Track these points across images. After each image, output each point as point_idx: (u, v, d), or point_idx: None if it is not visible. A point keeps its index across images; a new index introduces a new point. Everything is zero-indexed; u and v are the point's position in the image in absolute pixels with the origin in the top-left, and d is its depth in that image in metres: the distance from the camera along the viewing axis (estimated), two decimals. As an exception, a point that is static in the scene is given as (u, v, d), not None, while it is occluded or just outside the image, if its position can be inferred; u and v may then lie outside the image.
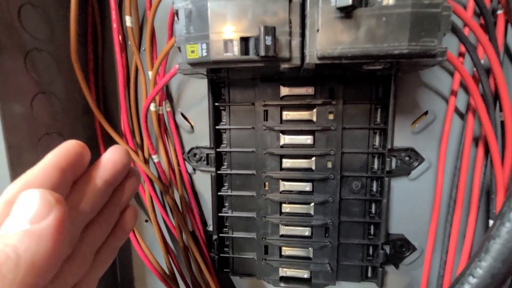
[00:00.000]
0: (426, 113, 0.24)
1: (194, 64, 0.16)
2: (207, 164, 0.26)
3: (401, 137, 0.24)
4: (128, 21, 0.23)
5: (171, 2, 0.22)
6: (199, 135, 0.27)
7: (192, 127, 0.27)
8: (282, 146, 0.24)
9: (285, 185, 0.25)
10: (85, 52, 0.25)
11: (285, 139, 0.24)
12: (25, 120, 0.20)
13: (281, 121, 0.24)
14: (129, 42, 0.25)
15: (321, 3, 0.15)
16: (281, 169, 0.24)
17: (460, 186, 0.23)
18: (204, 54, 0.16)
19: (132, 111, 0.26)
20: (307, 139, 0.24)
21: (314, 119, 0.23)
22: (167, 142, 0.27)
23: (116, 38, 0.23)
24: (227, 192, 0.26)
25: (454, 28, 0.20)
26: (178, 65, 0.18)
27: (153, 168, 0.27)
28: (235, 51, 0.16)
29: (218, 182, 0.26)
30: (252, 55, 0.16)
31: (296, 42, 0.16)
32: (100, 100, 0.27)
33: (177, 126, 0.27)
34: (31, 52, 0.20)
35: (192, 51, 0.16)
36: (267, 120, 0.24)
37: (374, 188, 0.25)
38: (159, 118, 0.26)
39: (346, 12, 0.14)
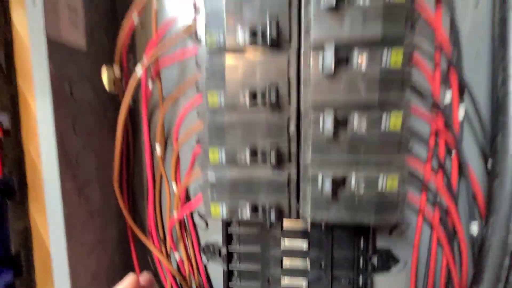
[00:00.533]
0: (401, 222, 0.29)
1: (216, 218, 0.22)
2: (219, 256, 0.31)
3: (382, 241, 0.29)
4: (158, 149, 0.28)
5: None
6: (212, 230, 0.32)
7: (207, 224, 0.32)
8: (282, 251, 0.29)
9: (286, 280, 0.29)
10: (120, 168, 0.31)
11: (286, 242, 0.29)
12: (80, 241, 0.25)
13: (282, 229, 0.29)
14: (156, 161, 0.30)
15: (311, 185, 0.20)
16: (282, 268, 0.29)
17: (429, 281, 0.27)
18: (224, 214, 0.21)
19: (157, 214, 0.31)
20: (303, 245, 0.29)
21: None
22: (186, 238, 0.31)
23: (149, 169, 0.29)
24: (236, 283, 0.31)
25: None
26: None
27: (173, 260, 0.32)
28: (247, 214, 0.21)
29: (229, 274, 0.30)
30: (259, 218, 0.21)
31: (294, 205, 0.21)
32: (130, 206, 0.32)
33: (194, 225, 0.32)
34: (86, 187, 0.26)
35: (215, 209, 0.21)
36: (270, 228, 0.29)
37: (359, 283, 0.29)
38: (180, 220, 0.31)
39: (331, 195, 0.20)
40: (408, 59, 0.18)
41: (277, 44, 0.19)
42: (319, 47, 0.18)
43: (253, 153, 0.20)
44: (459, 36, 0.24)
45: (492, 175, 0.24)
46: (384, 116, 0.19)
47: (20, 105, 0.32)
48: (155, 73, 0.28)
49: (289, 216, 0.21)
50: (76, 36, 0.24)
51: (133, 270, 0.32)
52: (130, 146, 0.31)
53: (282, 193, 0.20)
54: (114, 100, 0.29)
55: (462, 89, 0.25)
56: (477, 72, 0.25)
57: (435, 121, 0.25)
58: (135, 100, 0.31)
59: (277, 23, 0.18)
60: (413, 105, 0.25)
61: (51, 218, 0.24)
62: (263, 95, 0.19)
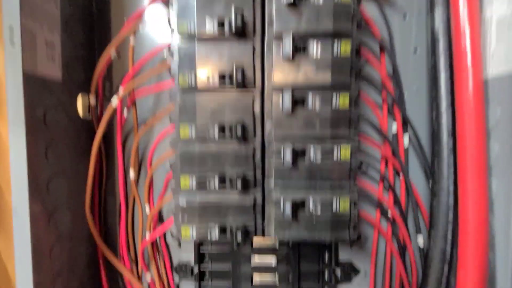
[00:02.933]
0: (359, 237, 0.32)
1: (186, 240, 0.23)
2: (191, 275, 0.32)
3: (344, 254, 0.32)
4: (132, 174, 0.29)
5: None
6: (185, 250, 0.33)
7: (179, 244, 0.33)
8: (252, 268, 0.31)
9: (255, 297, 0.31)
10: (92, 191, 0.31)
11: (256, 258, 0.31)
12: (46, 266, 0.25)
13: (252, 248, 0.31)
14: (129, 185, 0.31)
15: (275, 207, 0.22)
16: (252, 284, 0.31)
17: (385, 293, 0.30)
18: (194, 236, 0.23)
19: (129, 236, 0.32)
20: (272, 261, 0.31)
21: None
22: (158, 258, 0.32)
23: (122, 192, 0.30)
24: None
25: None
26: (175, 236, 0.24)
27: (145, 282, 0.32)
28: (216, 235, 0.23)
29: (201, 293, 0.31)
30: (228, 239, 0.23)
31: (260, 226, 0.23)
32: (102, 229, 0.32)
33: (167, 245, 0.33)
34: (56, 212, 0.26)
35: (185, 233, 0.23)
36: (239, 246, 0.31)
37: (326, 293, 0.32)
38: (152, 241, 0.31)
39: (291, 216, 0.22)
40: (354, 101, 0.21)
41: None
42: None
43: (222, 180, 0.22)
44: (400, 78, 0.28)
45: (432, 194, 0.27)
46: (335, 148, 0.21)
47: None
48: (131, 102, 0.29)
49: (255, 235, 0.23)
50: (52, 69, 0.25)
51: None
52: (103, 171, 0.31)
53: (248, 215, 0.22)
54: (88, 127, 0.30)
55: (405, 121, 0.29)
56: (417, 106, 0.30)
57: (384, 149, 0.28)
58: (109, 126, 0.32)
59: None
60: (366, 135, 0.29)
61: (18, 243, 0.24)
62: (231, 129, 0.21)
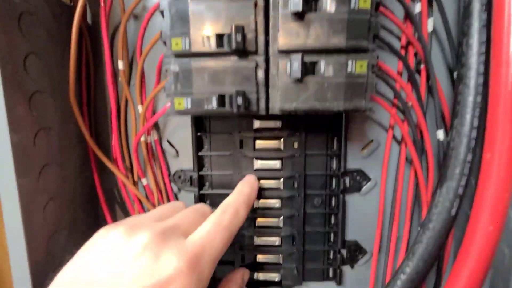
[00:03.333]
0: (371, 141, 0.29)
1: (181, 113, 0.20)
2: (191, 184, 0.30)
3: (353, 161, 0.29)
4: (121, 64, 0.26)
5: (159, 47, 0.26)
6: (183, 159, 0.31)
7: (177, 152, 0.31)
8: (255, 170, 0.29)
9: (258, 203, 0.29)
10: (79, 86, 0.28)
11: (258, 164, 0.29)
12: (28, 154, 0.23)
13: (254, 148, 0.28)
14: (120, 79, 0.28)
15: (279, 71, 0.19)
16: (255, 189, 0.29)
17: (397, 201, 0.28)
18: (189, 106, 0.20)
19: (123, 139, 0.29)
20: (276, 164, 0.28)
21: (282, 147, 0.28)
22: (155, 166, 0.30)
23: (110, 79, 0.27)
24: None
25: (388, 80, 0.25)
26: (168, 109, 0.22)
27: (142, 189, 0.30)
28: (214, 105, 0.20)
29: (200, 200, 0.30)
30: (227, 108, 0.20)
31: (262, 99, 0.20)
32: (92, 129, 0.30)
33: (163, 151, 0.30)
34: (34, 94, 0.23)
35: (179, 103, 0.20)
36: (242, 148, 0.28)
37: (333, 203, 0.30)
38: (147, 146, 0.29)
39: (298, 79, 0.19)
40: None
41: None
42: None
43: (219, 38, 0.19)
44: None
45: (457, 81, 0.24)
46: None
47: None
48: (115, -21, 0.26)
49: (257, 110, 0.20)
50: None
51: (96, 198, 0.31)
52: (90, 67, 0.28)
53: (249, 81, 0.20)
54: (69, 14, 0.26)
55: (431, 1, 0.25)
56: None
57: (406, 29, 0.25)
58: (94, 16, 0.29)
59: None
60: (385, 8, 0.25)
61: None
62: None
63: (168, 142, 0.30)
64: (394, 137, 0.28)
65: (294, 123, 0.28)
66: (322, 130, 0.28)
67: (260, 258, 0.30)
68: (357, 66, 0.19)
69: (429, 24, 0.25)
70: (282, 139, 0.28)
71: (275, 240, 0.30)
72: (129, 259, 0.15)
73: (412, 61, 0.26)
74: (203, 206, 0.23)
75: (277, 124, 0.28)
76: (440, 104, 0.26)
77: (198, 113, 0.20)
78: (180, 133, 0.30)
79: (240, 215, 0.22)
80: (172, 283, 0.15)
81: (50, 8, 0.25)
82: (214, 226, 0.19)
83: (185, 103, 0.20)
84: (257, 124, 0.28)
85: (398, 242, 0.28)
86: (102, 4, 0.25)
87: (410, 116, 0.26)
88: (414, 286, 0.24)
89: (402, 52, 0.26)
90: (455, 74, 0.26)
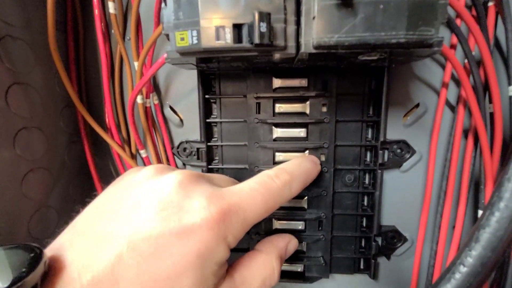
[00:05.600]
0: (417, 105, 0.24)
1: (184, 52, 0.16)
2: (198, 158, 0.25)
3: (393, 130, 0.24)
4: (111, 7, 0.22)
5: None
6: (188, 129, 0.26)
7: (181, 120, 0.26)
8: (275, 140, 0.24)
9: (278, 179, 0.24)
10: (65, 40, 0.24)
11: (278, 132, 0.24)
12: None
13: (274, 113, 0.23)
14: (113, 31, 0.24)
15: (317, -11, 0.14)
16: (274, 162, 0.24)
17: (450, 177, 0.23)
18: (195, 41, 0.15)
19: (118, 104, 0.25)
20: (300, 132, 0.23)
21: (307, 111, 0.23)
22: (155, 136, 0.25)
23: (99, 26, 0.22)
24: (218, 187, 0.25)
25: (448, 20, 0.20)
26: (167, 54, 0.17)
27: (141, 163, 0.26)
28: (227, 38, 0.15)
29: (209, 177, 0.25)
30: (245, 43, 0.15)
31: (291, 30, 0.15)
32: (83, 92, 0.25)
33: (165, 120, 0.26)
34: (4, 39, 0.19)
35: (182, 39, 0.15)
36: (259, 113, 0.23)
37: (367, 181, 0.25)
38: (146, 111, 0.24)
39: (344, 0, 0.14)
40: None
41: None
42: None
43: None
44: None
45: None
46: None
47: None
48: None
49: (285, 46, 0.15)
50: None
51: (87, 169, 0.26)
52: (77, 14, 0.24)
53: (275, 5, 0.14)
54: None
55: None
56: None
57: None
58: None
59: None
60: None
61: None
62: None
63: (171, 108, 0.26)
64: (447, 100, 0.23)
65: (323, 81, 0.22)
66: (357, 90, 0.23)
67: (280, 245, 0.25)
68: (426, -22, 0.13)
69: None
70: (308, 102, 0.23)
71: (298, 224, 0.25)
72: (158, 193, 0.14)
73: (478, -4, 0.20)
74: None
75: (302, 82, 0.23)
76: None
77: (207, 52, 0.15)
78: (185, 97, 0.25)
79: (293, 188, 0.18)
80: (195, 232, 0.13)
81: None
82: (259, 185, 0.16)
83: (189, 37, 0.15)
84: (277, 82, 0.23)
85: (449, 228, 0.23)
86: None
87: (476, 67, 0.20)
88: (479, 281, 0.19)
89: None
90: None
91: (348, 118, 0.23)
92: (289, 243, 0.21)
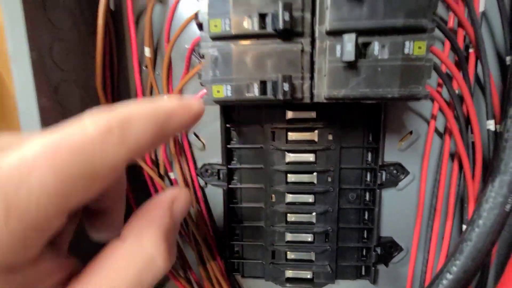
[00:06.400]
0: (410, 132, 0.27)
1: (219, 101, 0.19)
2: (218, 178, 0.29)
3: (390, 153, 0.28)
4: (147, 52, 0.25)
5: (186, 34, 0.24)
6: (210, 152, 0.29)
7: (203, 145, 0.29)
8: (287, 163, 0.27)
9: (290, 197, 0.28)
10: (103, 75, 0.27)
11: (290, 157, 0.27)
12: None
13: (287, 141, 0.27)
14: (144, 68, 0.27)
15: (328, 54, 0.18)
16: (287, 183, 0.27)
17: (439, 195, 0.26)
18: (229, 94, 0.19)
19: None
20: (310, 157, 0.27)
21: (316, 139, 0.26)
22: (181, 159, 0.29)
23: (136, 67, 0.25)
24: (237, 204, 0.29)
25: (434, 65, 0.23)
26: (204, 100, 0.20)
27: (169, 184, 0.29)
28: (255, 92, 0.18)
29: (230, 195, 0.28)
30: (269, 95, 0.18)
31: (307, 85, 0.19)
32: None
33: (190, 145, 0.29)
34: (61, 84, 0.22)
35: (218, 91, 0.19)
36: (274, 140, 0.27)
37: (367, 198, 0.28)
38: (174, 137, 0.28)
39: (350, 63, 0.17)
40: None
41: None
42: None
43: (262, 18, 0.17)
44: None
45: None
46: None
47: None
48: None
49: (302, 97, 0.19)
50: None
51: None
52: (113, 54, 0.27)
53: (294, 66, 0.18)
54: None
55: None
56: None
57: (456, 8, 0.23)
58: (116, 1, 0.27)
59: None
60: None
61: (24, 124, 0.20)
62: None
63: (195, 134, 0.29)
64: (436, 128, 0.26)
65: (330, 114, 0.26)
66: (358, 121, 0.26)
67: (292, 255, 0.29)
68: (415, 47, 0.17)
69: (481, 4, 0.23)
70: (316, 131, 0.26)
71: (308, 237, 0.28)
72: None
73: (461, 44, 0.24)
74: None
75: (312, 114, 0.26)
76: (491, 91, 0.24)
77: (239, 101, 0.19)
78: (207, 126, 0.29)
79: (132, 135, 0.10)
80: None
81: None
82: (54, 143, 0.09)
83: (224, 90, 0.18)
84: (290, 114, 0.26)
85: (439, 239, 0.27)
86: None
87: (459, 104, 0.24)
88: (461, 286, 0.23)
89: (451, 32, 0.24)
90: (507, 59, 0.24)
91: (351, 145, 0.27)
92: (175, 203, 0.13)
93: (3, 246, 0.09)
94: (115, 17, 0.27)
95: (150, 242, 0.12)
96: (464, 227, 0.26)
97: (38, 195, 0.09)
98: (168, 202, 0.13)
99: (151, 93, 0.28)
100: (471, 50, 0.24)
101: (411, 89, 0.18)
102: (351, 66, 0.17)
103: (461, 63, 0.24)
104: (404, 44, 0.17)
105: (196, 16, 0.19)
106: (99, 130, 0.09)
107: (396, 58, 0.17)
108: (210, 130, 0.29)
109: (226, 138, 0.27)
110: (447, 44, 0.24)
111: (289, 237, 0.28)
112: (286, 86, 0.17)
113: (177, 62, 0.27)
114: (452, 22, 0.24)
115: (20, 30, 0.18)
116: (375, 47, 0.17)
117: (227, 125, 0.27)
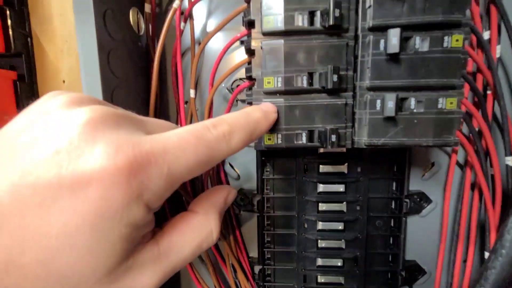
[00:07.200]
0: (433, 164, 0.29)
1: (270, 148, 0.21)
2: (252, 206, 0.31)
3: (414, 183, 0.30)
4: (192, 93, 0.27)
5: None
6: (243, 181, 0.31)
7: (238, 175, 0.31)
8: (319, 193, 0.29)
9: (321, 225, 0.30)
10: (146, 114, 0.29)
11: (321, 187, 0.29)
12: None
13: (318, 173, 0.29)
14: (187, 107, 0.29)
15: (368, 107, 0.20)
16: (318, 212, 0.29)
17: (461, 223, 0.28)
18: (279, 142, 0.21)
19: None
20: (340, 187, 0.29)
21: (346, 171, 0.29)
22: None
23: (182, 104, 0.28)
24: (270, 230, 0.31)
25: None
26: (255, 145, 0.22)
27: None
28: (304, 140, 0.20)
29: (262, 222, 0.30)
30: (316, 143, 0.21)
31: (348, 133, 0.21)
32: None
33: (225, 174, 0.31)
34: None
35: (269, 139, 0.21)
36: (306, 172, 0.29)
37: (392, 224, 0.30)
38: (212, 169, 0.30)
39: (394, 113, 0.19)
40: None
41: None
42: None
43: (310, 77, 0.20)
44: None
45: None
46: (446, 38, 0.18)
47: (35, 49, 0.29)
48: (188, 11, 0.26)
49: (344, 144, 0.21)
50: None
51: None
52: (157, 95, 0.29)
53: (338, 118, 0.20)
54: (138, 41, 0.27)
55: (499, 27, 0.25)
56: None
57: (476, 56, 0.25)
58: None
59: None
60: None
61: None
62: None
63: (230, 165, 0.31)
64: (457, 161, 0.28)
65: (359, 148, 0.28)
66: (385, 155, 0.28)
67: (322, 279, 0.30)
68: (447, 102, 0.19)
69: (497, 51, 0.26)
70: (346, 164, 0.29)
71: (338, 261, 0.30)
72: (59, 131, 0.11)
73: (480, 86, 0.26)
74: None
75: (342, 149, 0.28)
76: (509, 129, 0.26)
77: (288, 148, 0.21)
78: (241, 156, 0.31)
79: (234, 141, 0.15)
80: (93, 185, 0.11)
81: (130, 42, 0.26)
82: (190, 135, 0.13)
83: (275, 138, 0.21)
84: (322, 149, 0.28)
85: (462, 264, 0.29)
86: (178, 34, 0.26)
87: (479, 140, 0.26)
88: (488, 312, 0.24)
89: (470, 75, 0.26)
90: (523, 100, 0.26)
91: (378, 176, 0.29)
92: (228, 196, 0.19)
93: (160, 196, 0.13)
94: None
95: (213, 219, 0.16)
96: (486, 253, 0.28)
97: (185, 165, 0.13)
98: (226, 193, 0.19)
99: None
100: (489, 92, 0.26)
101: (443, 139, 0.20)
102: (391, 118, 0.20)
103: (480, 103, 0.26)
104: (437, 100, 0.19)
105: (247, 70, 0.21)
106: (218, 135, 0.15)
107: (431, 112, 0.19)
108: (244, 160, 0.31)
109: (262, 169, 0.29)
110: (467, 86, 0.26)
111: (320, 262, 0.30)
112: (333, 137, 0.19)
113: (216, 100, 0.29)
114: (471, 67, 0.26)
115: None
116: (412, 102, 0.19)
117: (263, 158, 0.29)
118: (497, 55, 0.26)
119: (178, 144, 0.13)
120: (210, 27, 0.29)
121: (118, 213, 0.11)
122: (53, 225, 0.11)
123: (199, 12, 0.29)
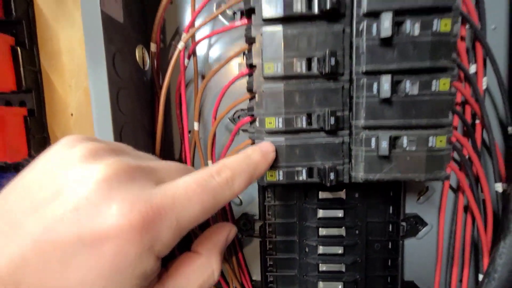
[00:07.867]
0: (427, 188, 0.31)
1: (271, 184, 0.22)
2: (254, 231, 0.32)
3: (409, 206, 0.31)
4: (196, 126, 0.28)
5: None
6: (245, 206, 0.32)
7: (240, 200, 0.32)
8: (319, 219, 0.30)
9: (321, 249, 0.31)
10: (153, 146, 0.30)
11: (321, 213, 0.30)
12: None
13: (318, 199, 0.30)
14: (191, 138, 0.30)
15: (364, 145, 0.21)
16: (318, 236, 0.30)
17: (456, 245, 0.30)
18: (281, 178, 0.22)
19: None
20: (339, 213, 0.30)
21: (344, 197, 0.30)
22: (222, 213, 0.32)
23: (186, 135, 0.29)
24: (272, 255, 0.31)
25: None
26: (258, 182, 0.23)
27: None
28: (304, 176, 0.22)
29: (264, 247, 0.31)
30: (315, 179, 0.22)
31: (346, 168, 0.22)
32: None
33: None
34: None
35: (271, 175, 0.22)
36: (306, 198, 0.30)
37: (390, 247, 0.31)
38: (215, 196, 0.31)
39: (388, 152, 0.21)
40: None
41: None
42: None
43: (309, 118, 0.21)
44: (484, 11, 0.26)
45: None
46: (434, 81, 0.20)
47: (44, 84, 0.30)
48: (192, 50, 0.28)
49: (342, 180, 0.22)
50: (116, 9, 0.24)
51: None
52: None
53: (336, 155, 0.21)
54: (144, 77, 0.29)
55: (485, 60, 0.27)
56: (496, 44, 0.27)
57: (464, 90, 0.27)
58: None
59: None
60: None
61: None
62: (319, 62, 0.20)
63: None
64: (450, 185, 0.30)
65: (356, 175, 0.29)
66: (382, 186, 0.30)
67: (324, 302, 0.31)
68: (437, 141, 0.21)
69: (484, 83, 0.27)
70: (344, 190, 0.30)
71: (338, 285, 0.31)
72: (79, 187, 0.12)
73: (468, 117, 0.28)
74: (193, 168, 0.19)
75: (340, 176, 0.30)
76: (497, 158, 0.27)
77: (289, 184, 0.22)
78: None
79: (236, 185, 0.16)
80: (109, 242, 0.11)
81: (136, 78, 0.27)
82: (196, 184, 0.14)
83: (277, 175, 0.22)
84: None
85: (457, 284, 0.30)
86: (182, 70, 0.27)
87: (469, 168, 0.27)
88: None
89: (457, 108, 0.28)
90: (509, 129, 0.28)
91: (375, 201, 0.30)
92: (229, 234, 0.19)
93: (169, 245, 0.14)
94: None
95: (215, 261, 0.17)
96: (480, 276, 0.29)
97: (192, 215, 0.14)
98: (227, 231, 0.19)
99: (193, 156, 0.31)
100: (477, 122, 0.28)
101: (435, 174, 0.21)
102: (385, 157, 0.21)
103: (469, 133, 0.27)
104: (428, 139, 0.21)
105: (249, 109, 0.22)
106: (221, 181, 0.15)
107: (422, 150, 0.21)
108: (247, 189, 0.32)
109: (263, 196, 0.30)
110: (456, 117, 0.28)
111: (321, 285, 0.31)
112: (332, 176, 0.21)
113: (218, 127, 0.30)
114: (459, 99, 0.28)
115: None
116: (404, 140, 0.21)
117: (264, 186, 0.30)
118: (484, 87, 0.27)
119: (185, 195, 0.14)
120: (212, 56, 0.30)
121: (131, 266, 0.12)
122: (71, 280, 0.11)
123: (200, 45, 0.30)
